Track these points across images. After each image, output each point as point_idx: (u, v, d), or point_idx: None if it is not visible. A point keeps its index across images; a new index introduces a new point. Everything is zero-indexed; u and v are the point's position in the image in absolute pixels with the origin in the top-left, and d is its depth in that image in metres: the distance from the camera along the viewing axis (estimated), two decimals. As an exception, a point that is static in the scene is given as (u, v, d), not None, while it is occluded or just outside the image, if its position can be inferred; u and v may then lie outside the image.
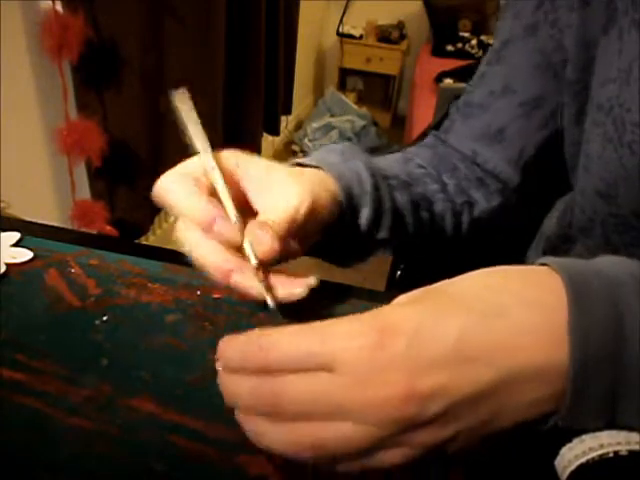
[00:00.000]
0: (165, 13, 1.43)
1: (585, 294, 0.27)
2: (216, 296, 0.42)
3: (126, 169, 1.42)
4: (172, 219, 1.73)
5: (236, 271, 0.36)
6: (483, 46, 2.81)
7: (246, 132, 2.01)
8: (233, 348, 0.29)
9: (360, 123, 2.94)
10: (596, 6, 0.43)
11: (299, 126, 3.15)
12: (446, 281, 0.30)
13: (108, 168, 1.33)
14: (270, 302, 0.36)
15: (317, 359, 0.27)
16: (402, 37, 3.24)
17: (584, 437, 0.28)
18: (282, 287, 0.36)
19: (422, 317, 0.27)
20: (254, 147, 2.09)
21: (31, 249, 0.45)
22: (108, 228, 1.33)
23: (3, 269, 0.43)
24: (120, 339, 0.38)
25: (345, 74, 3.45)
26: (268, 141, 2.63)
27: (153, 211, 1.58)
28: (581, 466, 0.27)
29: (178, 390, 0.35)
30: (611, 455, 0.27)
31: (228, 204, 0.36)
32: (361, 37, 3.25)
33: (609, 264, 0.29)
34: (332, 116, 3.04)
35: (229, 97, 1.78)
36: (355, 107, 3.12)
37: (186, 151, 0.38)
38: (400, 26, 3.23)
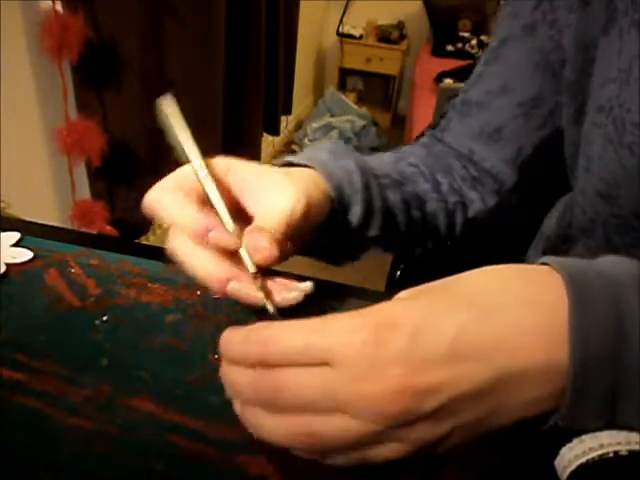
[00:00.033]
0: (165, 13, 1.43)
1: (586, 294, 0.27)
2: (216, 296, 0.42)
3: (126, 169, 1.43)
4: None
5: (232, 279, 0.36)
6: (483, 46, 2.81)
7: (246, 132, 2.01)
8: (234, 340, 0.29)
9: (360, 123, 2.94)
10: (596, 6, 0.43)
11: (299, 126, 3.15)
12: (448, 278, 0.30)
13: (108, 168, 1.33)
14: (270, 308, 0.36)
15: (317, 353, 0.27)
16: (402, 37, 3.24)
17: (584, 437, 0.28)
18: (277, 292, 0.36)
19: (423, 313, 0.27)
20: (254, 147, 2.09)
21: (31, 249, 0.45)
22: (108, 228, 1.34)
23: (3, 269, 0.43)
24: (120, 339, 0.38)
25: (345, 74, 3.45)
26: (268, 141, 2.63)
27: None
28: (581, 466, 0.27)
29: (178, 390, 0.35)
30: (611, 455, 0.27)
31: (223, 211, 0.36)
32: (361, 37, 3.25)
33: (610, 264, 0.29)
34: (332, 116, 3.04)
35: (229, 97, 1.77)
36: (355, 107, 3.12)
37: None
38: (400, 26, 3.23)
